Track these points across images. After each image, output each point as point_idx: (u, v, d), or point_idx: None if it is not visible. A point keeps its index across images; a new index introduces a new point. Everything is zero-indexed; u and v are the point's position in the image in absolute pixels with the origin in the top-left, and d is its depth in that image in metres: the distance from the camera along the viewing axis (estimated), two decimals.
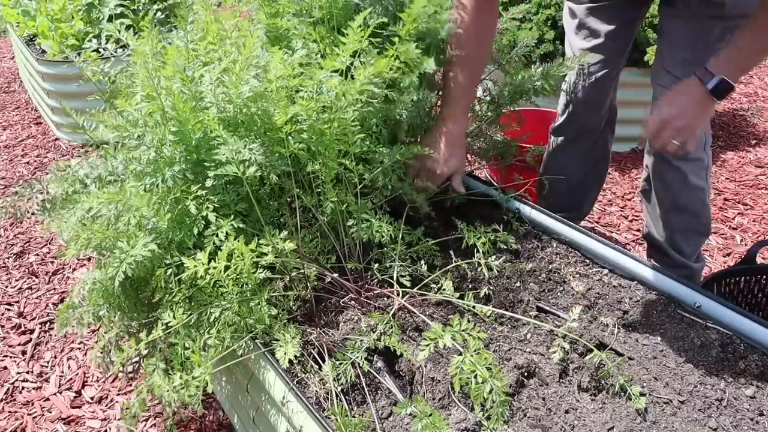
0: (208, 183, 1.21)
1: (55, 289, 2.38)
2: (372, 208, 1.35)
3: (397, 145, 1.39)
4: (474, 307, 1.19)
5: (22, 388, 1.94)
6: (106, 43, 3.12)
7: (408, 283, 1.29)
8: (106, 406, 1.87)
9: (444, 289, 1.23)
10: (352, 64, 1.24)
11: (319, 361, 1.16)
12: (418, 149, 1.39)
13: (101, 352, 1.36)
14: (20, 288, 2.38)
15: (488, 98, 1.76)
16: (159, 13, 3.32)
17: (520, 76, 1.68)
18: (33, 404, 1.88)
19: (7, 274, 2.47)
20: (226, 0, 1.66)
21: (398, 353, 1.15)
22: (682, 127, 1.42)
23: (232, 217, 1.22)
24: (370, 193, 1.40)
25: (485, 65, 1.60)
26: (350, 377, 1.11)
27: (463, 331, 1.00)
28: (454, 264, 1.35)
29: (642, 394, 1.10)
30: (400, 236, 1.36)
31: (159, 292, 1.21)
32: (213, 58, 1.32)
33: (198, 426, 1.75)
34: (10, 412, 1.85)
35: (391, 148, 1.36)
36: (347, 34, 1.19)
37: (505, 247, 1.46)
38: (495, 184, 1.68)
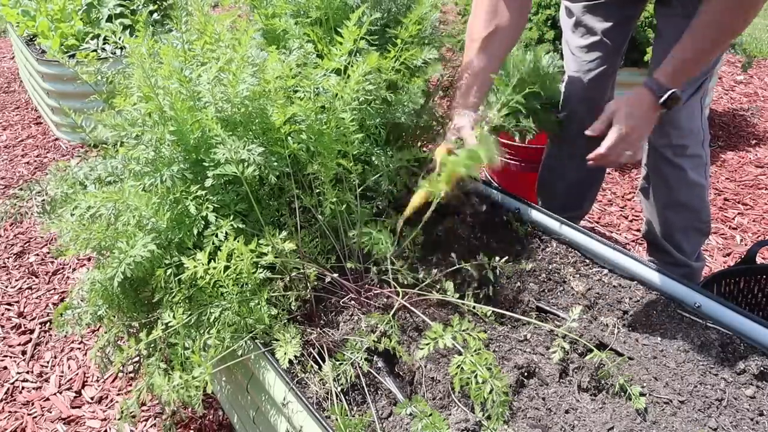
0: (208, 183, 1.20)
1: (55, 289, 2.38)
2: (372, 217, 1.34)
3: (399, 147, 1.38)
4: (474, 307, 1.19)
5: (22, 388, 1.94)
6: (104, 44, 3.12)
7: (408, 283, 1.29)
8: (106, 406, 1.87)
9: (444, 290, 1.23)
10: (349, 63, 1.24)
11: (319, 361, 1.16)
12: (419, 152, 1.39)
13: (101, 352, 1.36)
14: (20, 288, 2.38)
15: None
16: (155, 14, 3.32)
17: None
18: (33, 404, 1.88)
19: (7, 274, 2.47)
20: (224, 0, 1.66)
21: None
22: (637, 139, 1.44)
23: (232, 217, 1.22)
24: (372, 197, 1.40)
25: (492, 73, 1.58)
26: (350, 377, 1.11)
27: (463, 331, 1.00)
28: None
29: (642, 394, 1.10)
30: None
31: (159, 292, 1.21)
32: (210, 58, 1.32)
33: (198, 426, 1.75)
34: (10, 412, 1.85)
35: (391, 150, 1.36)
36: (343, 34, 1.19)
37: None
38: (495, 184, 1.68)
